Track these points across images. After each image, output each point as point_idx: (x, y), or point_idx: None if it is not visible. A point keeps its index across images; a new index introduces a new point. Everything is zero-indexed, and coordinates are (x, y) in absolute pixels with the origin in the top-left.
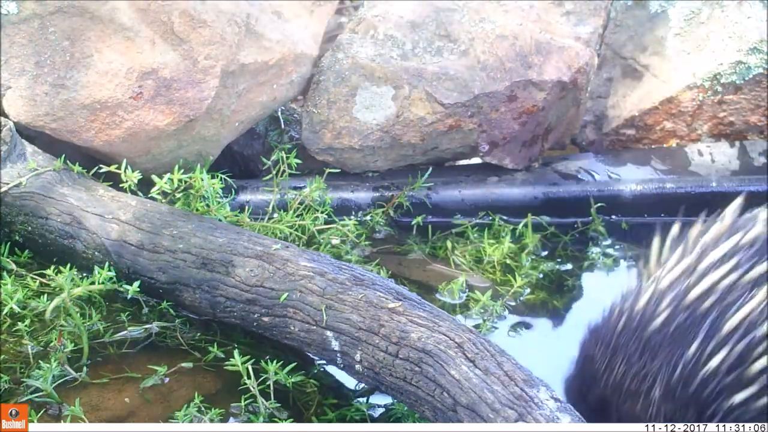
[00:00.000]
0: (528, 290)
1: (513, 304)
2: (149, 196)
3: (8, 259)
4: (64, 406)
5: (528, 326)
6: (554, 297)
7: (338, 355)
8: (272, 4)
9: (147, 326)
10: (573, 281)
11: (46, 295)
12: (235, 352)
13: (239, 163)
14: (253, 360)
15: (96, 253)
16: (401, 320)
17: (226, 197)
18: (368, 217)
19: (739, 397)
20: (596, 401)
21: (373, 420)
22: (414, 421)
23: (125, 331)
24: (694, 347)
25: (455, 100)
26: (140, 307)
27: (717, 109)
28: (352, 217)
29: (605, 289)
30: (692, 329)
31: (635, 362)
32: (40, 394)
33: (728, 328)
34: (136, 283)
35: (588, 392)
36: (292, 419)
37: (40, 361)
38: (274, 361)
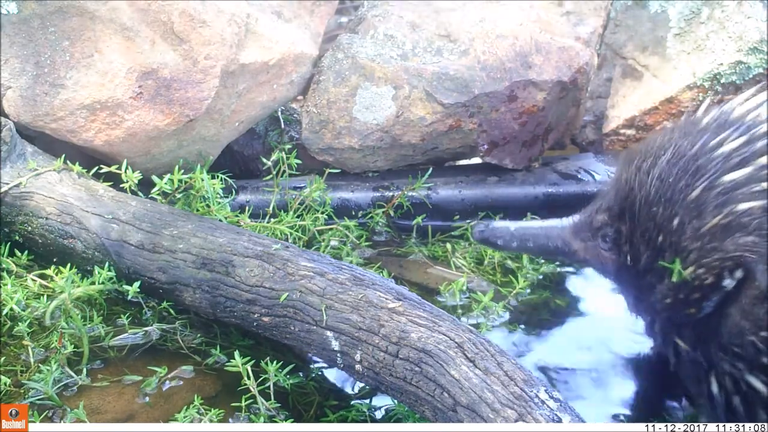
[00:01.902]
0: (529, 291)
1: (514, 304)
2: (149, 196)
3: (8, 260)
4: (65, 409)
5: (529, 327)
6: (556, 297)
7: (338, 355)
8: (272, 4)
9: (147, 329)
10: (574, 282)
11: (46, 297)
12: (236, 353)
13: (239, 163)
14: (253, 362)
15: (96, 253)
16: (401, 320)
17: (227, 197)
18: (368, 218)
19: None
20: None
21: (374, 422)
22: (414, 422)
23: (126, 334)
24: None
25: (455, 100)
26: (140, 309)
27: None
28: (352, 215)
29: (606, 289)
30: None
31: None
32: (41, 396)
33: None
34: (136, 284)
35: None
36: (292, 420)
37: (40, 364)
38: (274, 362)
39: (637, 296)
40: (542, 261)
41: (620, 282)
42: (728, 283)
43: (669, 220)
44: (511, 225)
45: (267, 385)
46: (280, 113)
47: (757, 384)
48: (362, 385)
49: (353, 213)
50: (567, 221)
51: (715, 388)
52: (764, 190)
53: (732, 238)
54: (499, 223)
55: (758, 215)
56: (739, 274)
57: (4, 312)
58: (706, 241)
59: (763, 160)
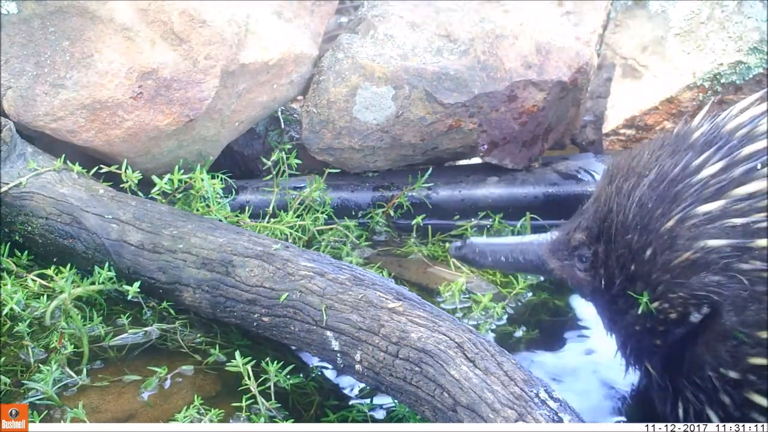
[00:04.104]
0: (529, 292)
1: (513, 305)
2: (149, 196)
3: (8, 260)
4: (65, 409)
5: (528, 327)
6: (555, 298)
7: (338, 355)
8: (272, 4)
9: (147, 329)
10: None
11: (46, 297)
12: (237, 353)
13: (239, 163)
14: (253, 362)
15: (96, 253)
16: (401, 320)
17: (227, 197)
18: (368, 218)
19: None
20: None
21: (375, 422)
22: (415, 422)
23: (126, 334)
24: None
25: (455, 100)
26: (140, 309)
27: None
28: (352, 215)
29: None
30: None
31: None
32: (41, 396)
33: (742, 191)
34: (137, 284)
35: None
36: (292, 420)
37: (40, 364)
38: (275, 362)
39: (610, 318)
40: None
41: (595, 303)
42: (695, 318)
43: (643, 249)
44: (488, 241)
45: (267, 385)
46: (280, 113)
47: (714, 418)
48: (363, 385)
49: (353, 213)
50: (544, 238)
51: (681, 413)
52: (736, 227)
53: (698, 276)
54: (476, 240)
55: (727, 254)
56: (705, 309)
57: (4, 312)
58: (675, 275)
59: (739, 191)
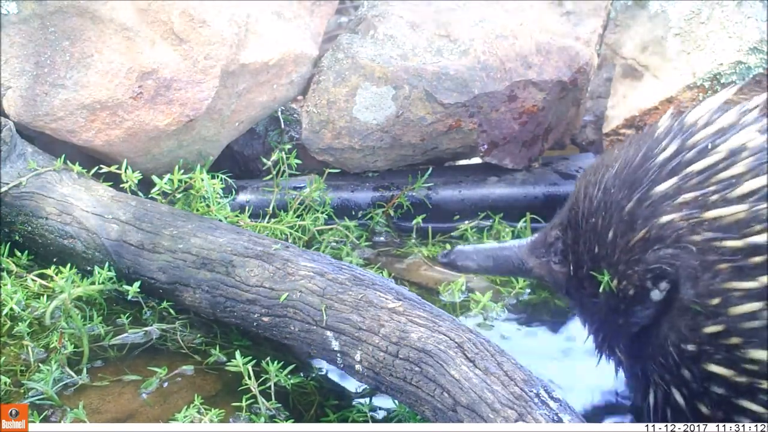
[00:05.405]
0: (528, 291)
1: (513, 302)
2: (149, 196)
3: (8, 260)
4: (65, 409)
5: (528, 327)
6: (555, 298)
7: (338, 355)
8: (272, 4)
9: (147, 329)
10: None
11: (46, 297)
12: (237, 353)
13: (239, 163)
14: (253, 362)
15: (96, 253)
16: (401, 320)
17: (227, 197)
18: (368, 218)
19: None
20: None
21: (375, 422)
22: (415, 422)
23: (125, 334)
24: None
25: (455, 100)
26: (140, 309)
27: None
28: (352, 215)
29: None
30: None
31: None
32: (41, 396)
33: (694, 168)
34: (137, 284)
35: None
36: (292, 420)
37: (40, 364)
38: (275, 362)
39: (581, 306)
40: None
41: (569, 295)
42: (656, 294)
43: (606, 231)
44: (474, 247)
45: (268, 385)
46: (280, 113)
47: (678, 398)
48: (363, 384)
49: (353, 213)
50: (524, 241)
51: (651, 399)
52: (688, 202)
53: (652, 250)
54: (463, 247)
55: (680, 227)
56: (664, 285)
57: (4, 312)
58: (633, 253)
59: (691, 168)
